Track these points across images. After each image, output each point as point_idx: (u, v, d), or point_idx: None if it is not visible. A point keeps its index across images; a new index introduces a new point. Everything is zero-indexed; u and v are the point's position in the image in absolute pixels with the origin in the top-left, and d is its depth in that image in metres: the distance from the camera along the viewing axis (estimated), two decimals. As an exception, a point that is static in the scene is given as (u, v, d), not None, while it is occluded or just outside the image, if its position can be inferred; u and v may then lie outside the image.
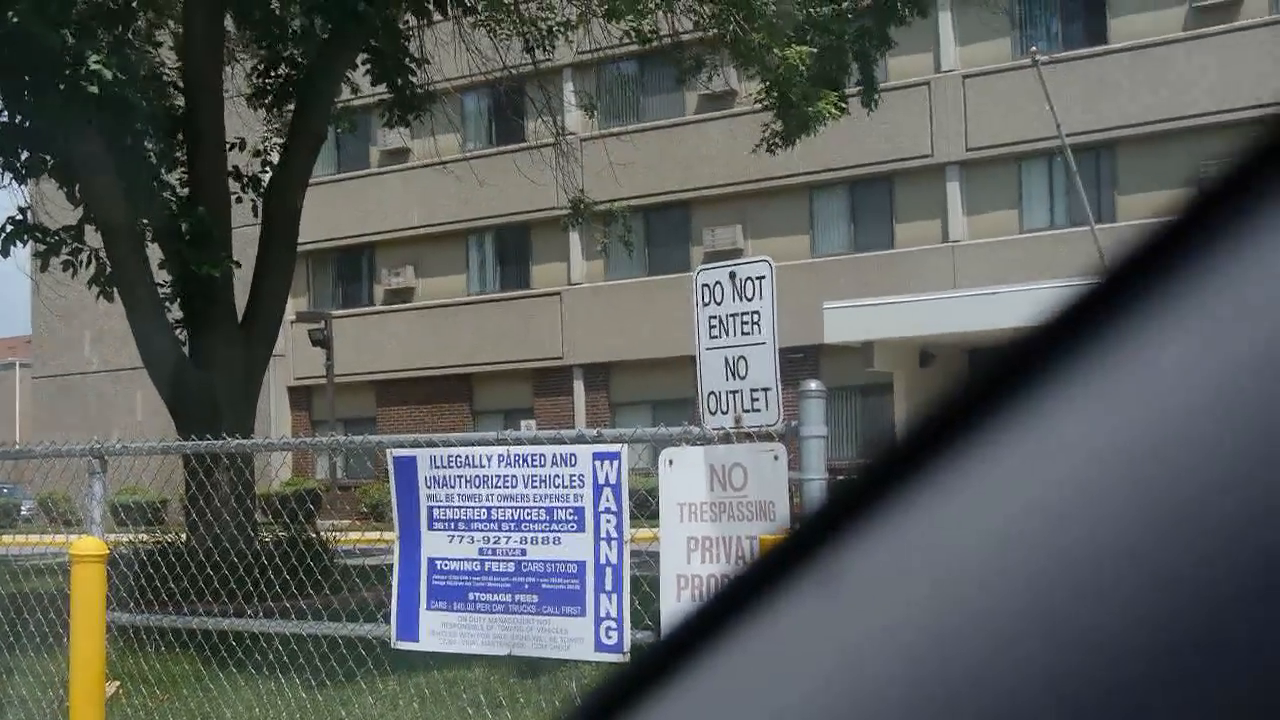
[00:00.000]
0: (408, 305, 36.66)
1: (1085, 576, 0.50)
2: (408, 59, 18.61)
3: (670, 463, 6.02)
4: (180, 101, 17.38)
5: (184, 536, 13.36)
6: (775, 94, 16.75)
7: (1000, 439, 0.55)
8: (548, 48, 20.24)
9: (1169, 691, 0.48)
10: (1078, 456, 0.52)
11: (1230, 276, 0.50)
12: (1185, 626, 0.47)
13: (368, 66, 18.29)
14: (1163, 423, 0.49)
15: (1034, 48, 26.61)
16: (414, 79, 18.80)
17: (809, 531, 0.62)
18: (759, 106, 18.47)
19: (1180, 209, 0.52)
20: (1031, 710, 0.51)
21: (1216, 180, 0.52)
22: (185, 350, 16.34)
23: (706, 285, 6.39)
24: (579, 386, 33.98)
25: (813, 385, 5.76)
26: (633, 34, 17.44)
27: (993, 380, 0.56)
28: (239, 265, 16.24)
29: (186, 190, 16.56)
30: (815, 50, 16.35)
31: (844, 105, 17.49)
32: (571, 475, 6.35)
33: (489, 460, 6.60)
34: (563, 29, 19.89)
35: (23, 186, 16.45)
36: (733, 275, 6.32)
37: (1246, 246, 0.50)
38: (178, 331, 16.45)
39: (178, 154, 17.08)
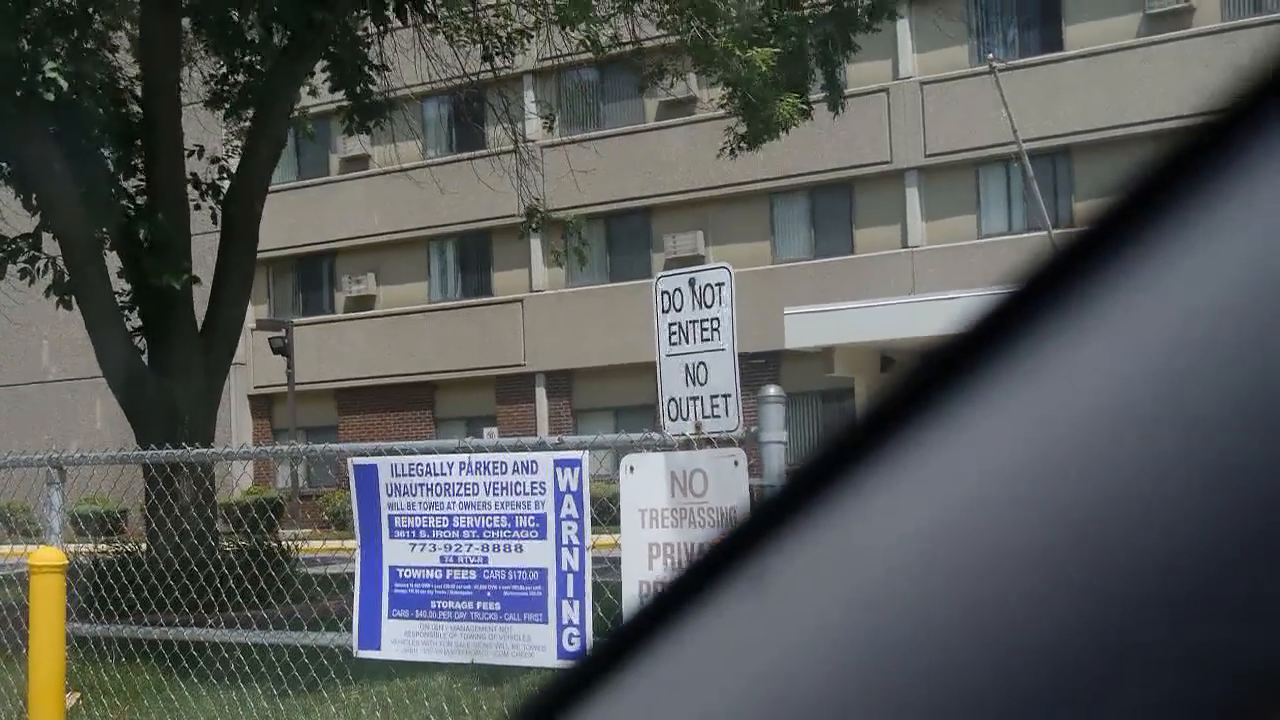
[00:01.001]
0: (369, 313, 36.51)
1: (1011, 576, 0.52)
2: (367, 66, 18.57)
3: (631, 469, 6.03)
4: (137, 108, 17.28)
5: (144, 546, 13.28)
6: (739, 97, 16.77)
7: (926, 441, 0.56)
8: (507, 55, 20.23)
9: (1092, 691, 0.50)
10: (1001, 458, 0.54)
11: (1147, 283, 0.51)
12: (1104, 625, 0.49)
13: (327, 73, 18.24)
14: (1084, 424, 0.51)
15: (991, 54, 26.76)
16: (373, 86, 18.76)
17: (742, 534, 0.64)
18: (720, 112, 18.49)
19: (1098, 216, 0.54)
20: (960, 705, 0.53)
21: (1133, 187, 0.54)
22: (144, 358, 16.25)
23: (666, 292, 6.40)
24: (541, 393, 33.89)
25: (771, 391, 5.79)
26: (588, 43, 17.44)
27: (919, 384, 0.58)
28: (199, 281, 16.16)
29: (144, 198, 16.47)
30: (778, 51, 16.37)
31: (806, 108, 17.52)
32: (533, 482, 6.35)
33: (450, 468, 6.59)
34: (520, 37, 19.88)
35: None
36: (692, 282, 6.33)
37: (1159, 254, 0.52)
38: (136, 339, 16.35)
39: (135, 161, 16.97)
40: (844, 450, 0.60)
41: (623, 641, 0.69)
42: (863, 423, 0.60)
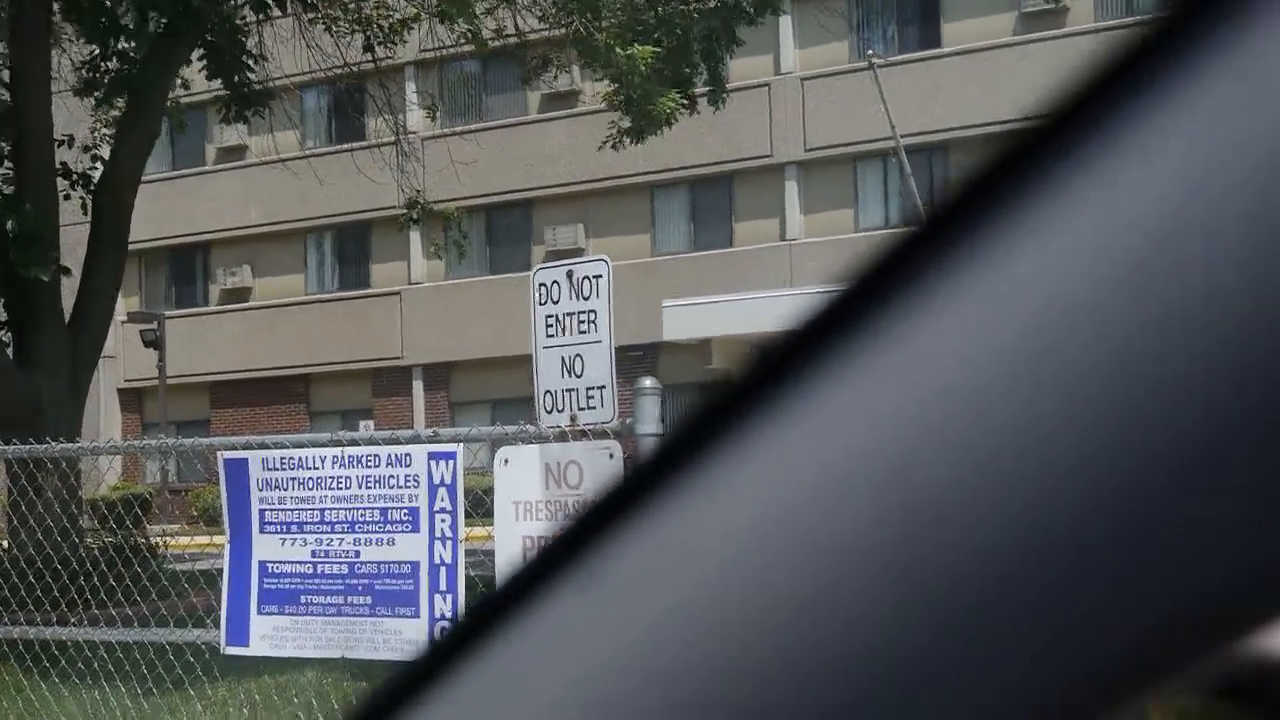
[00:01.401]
0: (244, 305, 36.06)
1: (845, 570, 0.51)
2: (245, 55, 18.29)
3: (506, 461, 6.00)
4: (5, 94, 16.89)
5: (4, 543, 12.96)
6: (623, 93, 16.80)
7: (760, 435, 0.56)
8: (388, 45, 20.04)
9: (929, 687, 0.50)
10: (836, 451, 0.53)
11: (983, 280, 0.51)
12: (940, 619, 0.49)
13: (204, 62, 17.94)
14: (920, 417, 0.51)
15: (870, 51, 27.10)
16: (252, 75, 18.48)
17: (579, 528, 0.63)
18: (603, 106, 18.49)
19: (931, 212, 0.54)
20: (794, 702, 0.52)
21: (970, 182, 0.54)
22: (9, 351, 15.89)
23: (544, 284, 6.41)
24: (418, 386, 33.73)
25: (647, 383, 5.77)
26: (468, 36, 17.35)
27: (756, 377, 0.57)
28: (69, 273, 15.84)
29: (12, 187, 16.11)
30: (660, 50, 16.40)
31: (686, 102, 17.56)
32: (406, 475, 6.30)
33: (323, 461, 6.52)
34: (401, 28, 19.70)
35: None
36: (570, 274, 6.34)
37: (979, 252, 0.51)
38: (1, 332, 15.99)
39: (2, 149, 16.60)
40: (679, 444, 0.59)
41: (459, 639, 0.67)
42: (698, 418, 0.59)
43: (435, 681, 0.68)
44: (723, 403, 0.58)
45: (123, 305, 27.02)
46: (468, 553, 6.22)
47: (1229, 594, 0.46)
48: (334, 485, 6.48)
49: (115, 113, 18.42)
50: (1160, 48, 0.49)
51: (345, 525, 6.43)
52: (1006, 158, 0.52)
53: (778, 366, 0.56)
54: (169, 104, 18.61)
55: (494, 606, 0.65)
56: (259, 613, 6.59)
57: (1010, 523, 0.48)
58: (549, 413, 6.29)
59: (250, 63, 18.36)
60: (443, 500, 6.21)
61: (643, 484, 0.59)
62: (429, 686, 0.68)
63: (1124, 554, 0.46)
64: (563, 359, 6.30)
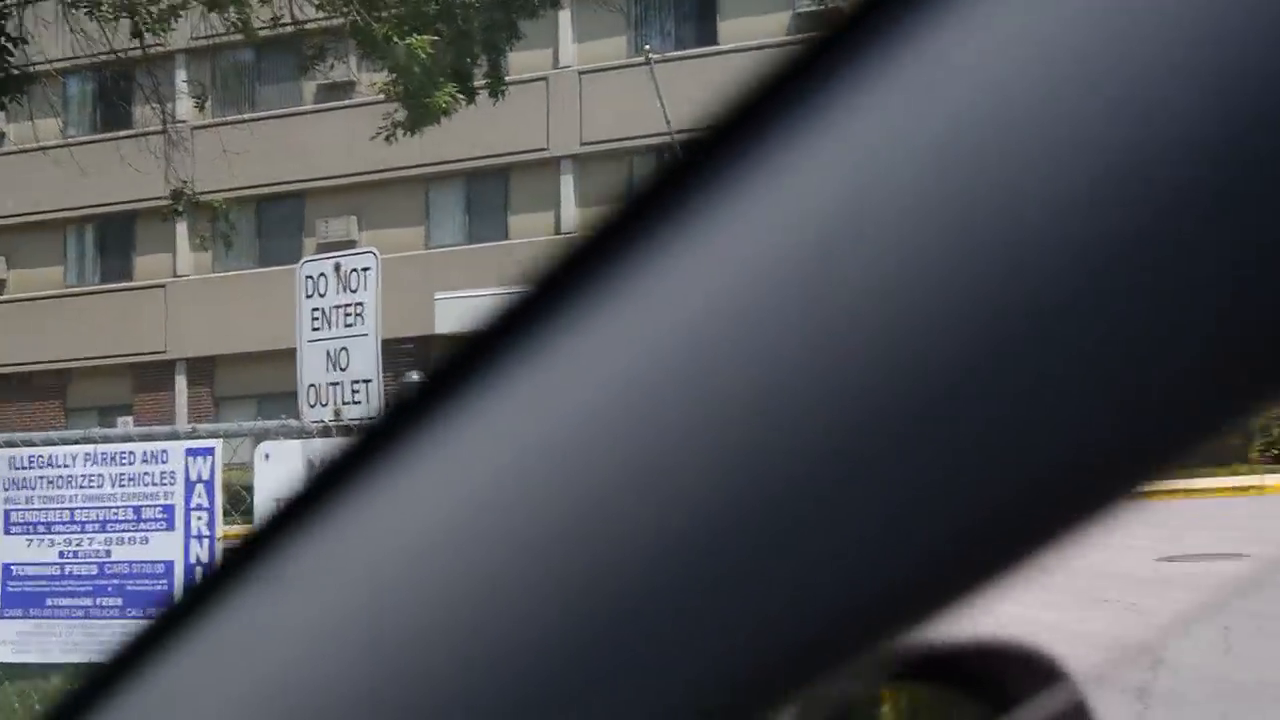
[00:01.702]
0: (-2, 298, 34.91)
1: (509, 573, 0.51)
2: (4, 38, 17.63)
3: (266, 457, 5.93)
4: None
5: None
6: (400, 85, 16.66)
7: (431, 439, 0.55)
8: (157, 32, 19.50)
9: (581, 687, 0.50)
10: (506, 453, 0.53)
11: (644, 282, 0.51)
12: (597, 623, 0.50)
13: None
14: (584, 421, 0.51)
15: (648, 46, 27.37)
16: (11, 59, 17.82)
17: (266, 531, 0.61)
18: (381, 97, 18.30)
19: (609, 215, 0.54)
20: (457, 698, 0.52)
21: (640, 188, 0.54)
22: None
23: (310, 277, 6.39)
24: (181, 381, 33.05)
25: (414, 377, 5.73)
26: (239, 25, 17.04)
27: (438, 379, 0.57)
28: None
29: None
30: (438, 38, 16.29)
31: (463, 96, 17.48)
32: (162, 473, 6.19)
33: (74, 460, 6.37)
34: (169, 15, 19.19)
35: None
36: (338, 267, 6.33)
37: (647, 258, 0.51)
38: None
39: None
40: (359, 446, 0.58)
41: (147, 641, 0.64)
42: (380, 420, 0.58)
43: (115, 689, 0.65)
44: (406, 403, 0.57)
45: None
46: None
47: (897, 589, 0.47)
48: (85, 484, 6.36)
49: None
50: (833, 46, 0.49)
51: (96, 525, 6.29)
52: (680, 162, 0.53)
53: (462, 365, 0.56)
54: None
55: (185, 610, 0.63)
56: (1, 617, 6.40)
57: (673, 524, 0.48)
58: (312, 407, 6.25)
59: (10, 46, 17.70)
60: (200, 497, 6.11)
61: (328, 483, 0.58)
62: (110, 695, 0.65)
63: (789, 552, 0.47)
64: (328, 352, 6.27)
